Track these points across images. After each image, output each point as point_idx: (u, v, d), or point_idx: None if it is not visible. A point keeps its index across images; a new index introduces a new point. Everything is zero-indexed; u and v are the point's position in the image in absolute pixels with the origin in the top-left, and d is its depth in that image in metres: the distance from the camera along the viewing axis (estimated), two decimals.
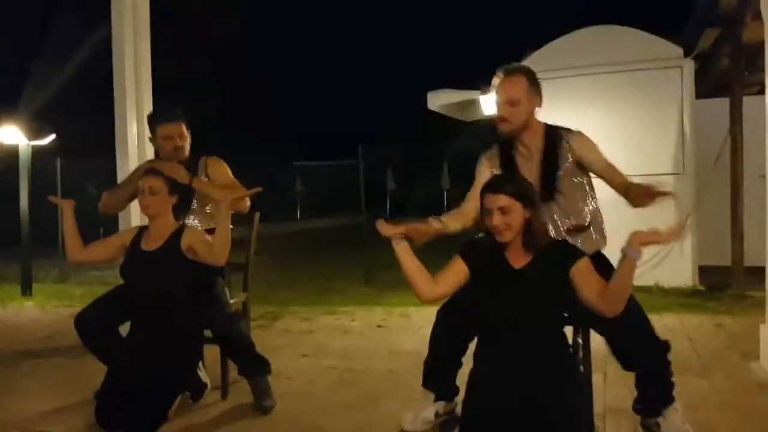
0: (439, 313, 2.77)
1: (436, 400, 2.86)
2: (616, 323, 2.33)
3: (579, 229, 2.74)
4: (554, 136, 2.78)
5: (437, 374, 2.85)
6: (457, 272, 2.32)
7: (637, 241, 2.03)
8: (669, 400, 2.62)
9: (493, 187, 2.28)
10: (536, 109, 2.78)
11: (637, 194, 2.50)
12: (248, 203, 3.34)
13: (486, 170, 2.86)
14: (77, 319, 3.09)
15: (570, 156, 2.74)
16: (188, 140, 3.47)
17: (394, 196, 18.43)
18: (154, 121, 3.50)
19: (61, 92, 15.59)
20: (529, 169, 2.74)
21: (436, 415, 2.85)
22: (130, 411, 2.83)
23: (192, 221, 3.41)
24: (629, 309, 2.30)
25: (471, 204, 2.81)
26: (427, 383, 2.88)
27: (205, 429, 2.91)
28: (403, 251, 2.31)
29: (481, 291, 2.28)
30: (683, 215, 6.18)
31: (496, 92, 2.75)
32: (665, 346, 2.60)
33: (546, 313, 2.20)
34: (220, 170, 3.51)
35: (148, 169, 3.18)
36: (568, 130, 2.81)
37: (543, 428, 2.05)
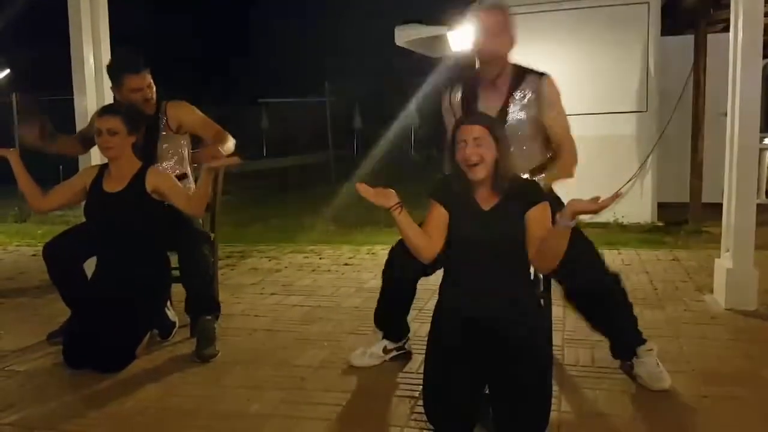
0: (390, 253, 2.75)
1: (384, 338, 2.91)
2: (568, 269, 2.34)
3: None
4: (523, 78, 2.70)
5: (387, 316, 2.90)
6: (439, 217, 2.34)
7: (571, 210, 2.08)
8: (639, 340, 2.65)
9: (468, 118, 2.34)
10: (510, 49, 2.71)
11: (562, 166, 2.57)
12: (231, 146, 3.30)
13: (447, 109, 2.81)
14: (46, 247, 3.11)
15: (535, 101, 2.67)
16: (154, 88, 3.33)
17: (361, 133, 18.29)
18: (117, 71, 3.29)
19: (14, 23, 14.88)
20: (492, 109, 2.66)
21: (384, 350, 2.89)
22: (98, 349, 2.85)
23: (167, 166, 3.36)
24: (581, 251, 2.38)
25: None
26: (377, 324, 2.94)
27: (173, 367, 2.94)
28: (403, 219, 2.29)
29: (452, 230, 2.32)
30: (644, 153, 6.29)
31: (480, 24, 2.67)
32: (617, 279, 2.64)
33: (513, 247, 2.27)
34: (187, 112, 3.41)
35: (103, 109, 3.10)
36: (539, 74, 2.72)
37: (505, 349, 2.16)
